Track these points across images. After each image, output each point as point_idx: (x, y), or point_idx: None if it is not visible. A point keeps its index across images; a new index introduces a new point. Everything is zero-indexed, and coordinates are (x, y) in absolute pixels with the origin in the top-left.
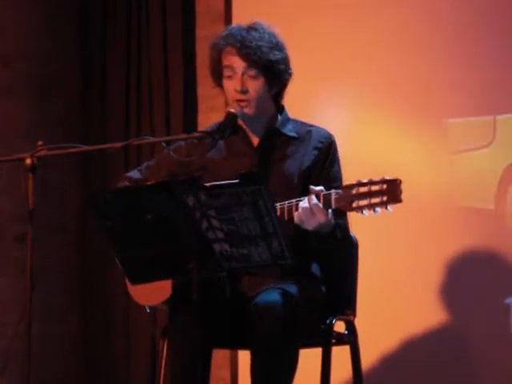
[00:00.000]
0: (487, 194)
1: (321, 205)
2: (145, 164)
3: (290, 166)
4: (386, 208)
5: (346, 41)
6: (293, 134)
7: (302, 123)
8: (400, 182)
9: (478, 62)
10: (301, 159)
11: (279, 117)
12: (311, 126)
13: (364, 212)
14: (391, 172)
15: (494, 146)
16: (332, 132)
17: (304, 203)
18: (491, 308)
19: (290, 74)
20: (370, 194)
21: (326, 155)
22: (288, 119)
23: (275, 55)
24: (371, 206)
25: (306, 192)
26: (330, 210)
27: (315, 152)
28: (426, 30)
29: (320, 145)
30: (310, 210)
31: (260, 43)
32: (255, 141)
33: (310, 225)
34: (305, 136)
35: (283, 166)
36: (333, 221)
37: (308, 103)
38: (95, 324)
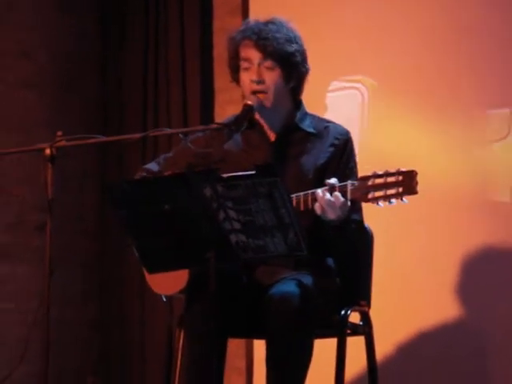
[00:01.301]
0: (503, 187)
1: (340, 195)
2: (163, 156)
3: (306, 161)
4: (402, 199)
5: (362, 34)
6: (311, 129)
7: (320, 119)
8: (416, 173)
9: (494, 54)
10: (317, 155)
11: (297, 112)
12: (328, 121)
13: (379, 203)
14: (406, 164)
15: (510, 139)
16: (347, 126)
17: (326, 195)
18: (506, 302)
19: (307, 69)
20: (385, 186)
21: (342, 152)
22: (306, 114)
23: (292, 47)
24: (387, 198)
25: (320, 187)
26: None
27: (331, 149)
28: (441, 22)
29: (336, 141)
30: (332, 201)
31: (277, 35)
32: (272, 136)
33: (333, 214)
34: (322, 132)
35: (299, 161)
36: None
37: (323, 95)
38: (112, 312)
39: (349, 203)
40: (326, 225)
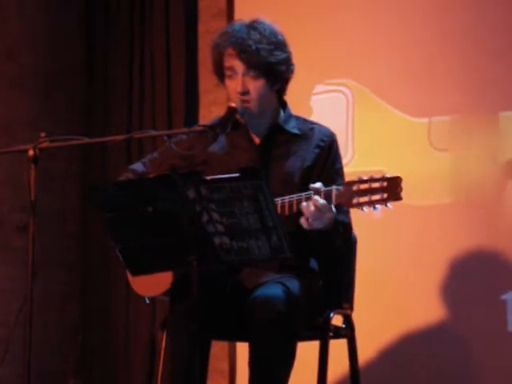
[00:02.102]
0: (487, 191)
1: (324, 201)
2: (148, 156)
3: (291, 163)
4: (386, 205)
5: (348, 36)
6: (295, 131)
7: (305, 120)
8: (401, 179)
9: (482, 59)
10: (302, 157)
11: (282, 113)
12: (313, 123)
13: (364, 209)
14: (391, 169)
15: (496, 143)
16: (332, 128)
17: (309, 206)
18: (488, 304)
19: (292, 70)
20: (370, 191)
21: (327, 154)
22: (290, 116)
23: (276, 56)
24: (371, 203)
25: (305, 190)
26: (332, 205)
27: (317, 150)
28: (430, 26)
29: (322, 143)
30: (319, 211)
31: (260, 46)
32: (256, 138)
33: (320, 224)
34: (307, 133)
35: (285, 163)
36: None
37: (308, 98)
38: (95, 314)
39: (333, 208)
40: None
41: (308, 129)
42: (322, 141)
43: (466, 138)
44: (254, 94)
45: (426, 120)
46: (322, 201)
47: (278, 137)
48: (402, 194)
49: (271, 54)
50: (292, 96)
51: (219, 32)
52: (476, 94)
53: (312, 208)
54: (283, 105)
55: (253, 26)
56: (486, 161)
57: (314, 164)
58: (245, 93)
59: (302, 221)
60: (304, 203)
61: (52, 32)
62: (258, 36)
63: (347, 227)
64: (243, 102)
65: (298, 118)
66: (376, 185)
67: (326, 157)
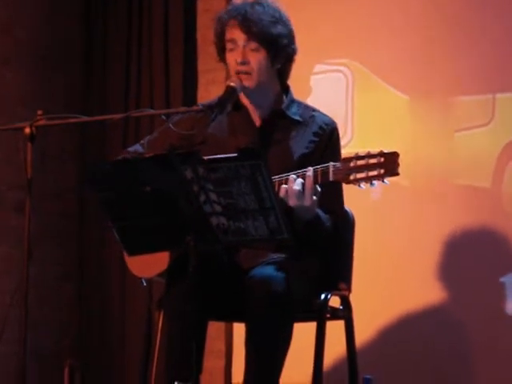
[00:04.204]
0: (485, 173)
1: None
2: (147, 138)
3: (289, 149)
4: (383, 181)
5: (348, 17)
6: (297, 117)
7: (306, 106)
8: (398, 155)
9: (479, 40)
10: (301, 143)
11: (284, 98)
12: (314, 110)
13: (361, 185)
14: (390, 148)
15: (493, 125)
16: (331, 108)
17: (293, 185)
18: (486, 286)
19: (294, 50)
20: (367, 167)
21: (326, 142)
22: (293, 101)
23: (277, 28)
24: (368, 179)
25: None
26: (317, 187)
27: (316, 138)
28: (428, 8)
29: (321, 131)
30: (299, 193)
31: (262, 16)
32: (258, 120)
33: (292, 202)
34: (307, 120)
35: (282, 148)
36: (316, 210)
37: (307, 78)
38: (91, 293)
39: (318, 188)
40: (298, 223)
41: (309, 116)
42: (321, 128)
43: (466, 119)
44: (255, 65)
45: (427, 101)
46: (298, 187)
47: (278, 122)
48: (399, 170)
49: (273, 25)
50: (291, 76)
51: (222, 9)
52: (474, 74)
53: (295, 187)
54: (286, 89)
55: (256, 2)
56: (486, 142)
57: (312, 151)
58: (244, 63)
59: (282, 191)
60: (293, 176)
61: (49, 8)
62: (262, 9)
63: (328, 228)
64: (242, 74)
65: (299, 103)
66: (373, 160)
67: (324, 145)
